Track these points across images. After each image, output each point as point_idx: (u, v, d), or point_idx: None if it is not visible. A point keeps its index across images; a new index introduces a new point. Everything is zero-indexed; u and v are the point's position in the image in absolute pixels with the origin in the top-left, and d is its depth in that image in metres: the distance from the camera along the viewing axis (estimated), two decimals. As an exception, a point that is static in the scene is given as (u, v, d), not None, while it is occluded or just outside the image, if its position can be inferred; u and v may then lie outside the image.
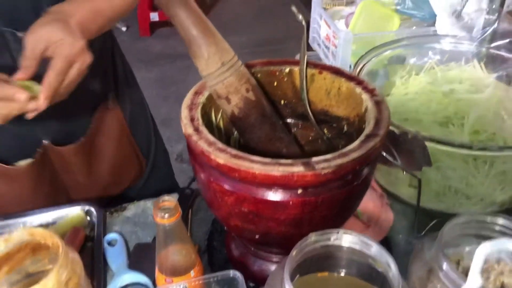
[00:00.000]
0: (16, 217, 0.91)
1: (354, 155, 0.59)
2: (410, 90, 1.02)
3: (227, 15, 3.82)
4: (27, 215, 0.92)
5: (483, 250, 0.52)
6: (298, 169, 0.57)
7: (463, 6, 1.41)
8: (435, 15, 1.43)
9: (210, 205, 0.70)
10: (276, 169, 0.57)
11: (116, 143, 1.04)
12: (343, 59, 1.44)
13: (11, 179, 0.95)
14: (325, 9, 1.71)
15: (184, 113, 0.67)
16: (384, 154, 0.80)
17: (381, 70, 1.10)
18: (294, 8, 0.73)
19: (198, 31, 0.66)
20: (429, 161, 0.78)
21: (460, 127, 0.91)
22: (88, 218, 0.93)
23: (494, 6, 0.99)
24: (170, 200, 0.66)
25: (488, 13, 0.99)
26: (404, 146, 0.80)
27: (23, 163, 0.95)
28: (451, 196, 0.87)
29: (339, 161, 0.58)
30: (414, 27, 1.47)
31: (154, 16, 3.48)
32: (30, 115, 0.71)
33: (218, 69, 0.68)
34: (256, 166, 0.58)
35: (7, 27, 0.78)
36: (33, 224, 0.92)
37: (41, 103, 0.69)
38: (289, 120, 0.83)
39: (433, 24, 1.43)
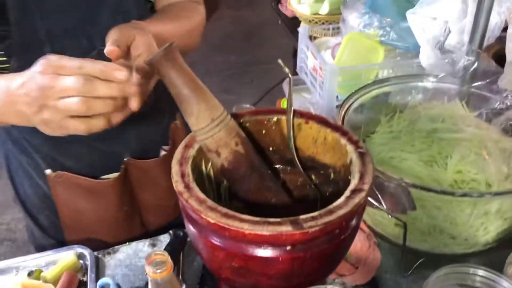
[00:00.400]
0: (9, 261, 0.92)
1: (341, 212, 0.62)
2: (395, 128, 1.05)
3: (216, 35, 3.86)
4: (19, 259, 0.93)
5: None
6: (286, 228, 0.59)
7: (445, 38, 1.45)
8: (418, 46, 1.46)
9: (201, 256, 0.72)
10: (265, 229, 0.59)
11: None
12: (330, 90, 1.47)
13: (98, 195, 1.02)
14: (312, 37, 1.75)
15: (175, 168, 0.69)
16: (369, 199, 0.82)
17: (366, 107, 1.13)
18: (280, 62, 0.76)
19: (188, 90, 0.68)
20: (413, 206, 0.81)
21: (444, 167, 0.94)
22: (81, 261, 0.94)
23: (473, 48, 1.03)
24: (161, 254, 0.68)
25: (467, 54, 1.03)
26: (388, 191, 0.83)
27: (110, 176, 1.02)
28: (436, 236, 0.89)
29: (326, 219, 0.61)
30: (398, 58, 1.51)
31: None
32: (133, 105, 0.70)
33: (208, 125, 0.70)
34: (246, 225, 0.60)
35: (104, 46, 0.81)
36: (26, 268, 0.93)
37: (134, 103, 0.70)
38: (277, 166, 0.85)
39: (417, 55, 1.47)
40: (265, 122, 0.81)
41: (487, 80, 0.99)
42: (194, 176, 0.70)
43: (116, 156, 1.03)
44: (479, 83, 1.01)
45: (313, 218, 0.61)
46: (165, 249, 0.93)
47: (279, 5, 2.18)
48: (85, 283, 0.90)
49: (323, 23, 1.86)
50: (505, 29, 1.48)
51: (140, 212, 1.13)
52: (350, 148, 0.73)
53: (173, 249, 0.93)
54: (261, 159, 0.76)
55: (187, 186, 0.66)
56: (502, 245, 0.90)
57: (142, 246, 0.98)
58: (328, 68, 1.42)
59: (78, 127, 0.68)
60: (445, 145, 0.96)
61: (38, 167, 1.04)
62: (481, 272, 0.62)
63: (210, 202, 0.64)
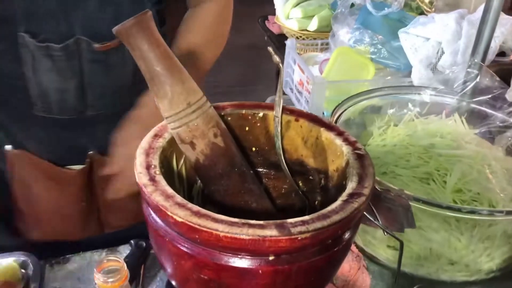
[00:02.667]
0: None
1: (336, 217, 0.51)
2: (388, 142, 0.96)
3: (198, 55, 3.78)
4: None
5: None
6: (271, 232, 0.48)
7: (438, 59, 1.40)
8: (410, 66, 1.41)
9: (163, 267, 0.60)
10: (245, 232, 0.48)
11: None
12: (316, 105, 1.38)
13: (58, 184, 0.96)
14: (299, 54, 1.68)
15: (140, 159, 0.58)
16: (364, 213, 0.72)
17: (357, 119, 1.04)
18: (270, 49, 0.66)
19: (162, 67, 0.58)
20: (413, 223, 0.71)
21: (442, 185, 0.85)
22: (23, 270, 0.80)
23: (476, 60, 0.96)
24: (115, 260, 0.56)
25: (469, 66, 0.96)
26: (385, 205, 0.73)
27: (74, 167, 0.96)
28: (433, 261, 0.79)
29: (319, 224, 0.50)
30: (389, 77, 1.44)
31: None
32: None
33: (183, 110, 0.59)
34: (221, 226, 0.48)
35: (85, 36, 0.82)
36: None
37: None
38: (260, 169, 0.74)
39: (408, 75, 1.40)
40: (250, 118, 0.71)
41: (489, 96, 0.92)
42: (162, 171, 0.58)
43: (81, 148, 0.95)
44: (480, 98, 0.93)
45: (303, 223, 0.50)
46: (123, 260, 0.81)
47: (266, 22, 2.12)
48: (26, 296, 0.76)
49: (311, 40, 1.80)
50: (499, 54, 1.44)
51: (98, 211, 1.03)
52: (346, 149, 0.63)
53: (133, 261, 0.80)
54: (243, 157, 0.66)
55: (152, 179, 0.55)
56: (508, 274, 0.81)
57: (97, 257, 0.85)
58: (315, 81, 1.34)
59: None
60: (443, 161, 0.88)
61: None
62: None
63: (178, 198, 0.52)
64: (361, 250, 0.85)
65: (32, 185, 0.96)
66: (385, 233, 0.71)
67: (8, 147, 0.93)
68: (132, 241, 0.85)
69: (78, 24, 0.83)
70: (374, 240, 0.84)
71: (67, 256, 0.85)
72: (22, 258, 0.80)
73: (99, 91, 0.89)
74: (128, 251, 0.85)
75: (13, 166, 0.94)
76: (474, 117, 0.95)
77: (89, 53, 0.84)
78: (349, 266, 0.80)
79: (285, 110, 0.70)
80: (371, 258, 0.85)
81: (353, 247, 0.84)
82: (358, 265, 0.81)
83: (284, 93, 1.71)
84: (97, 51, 0.84)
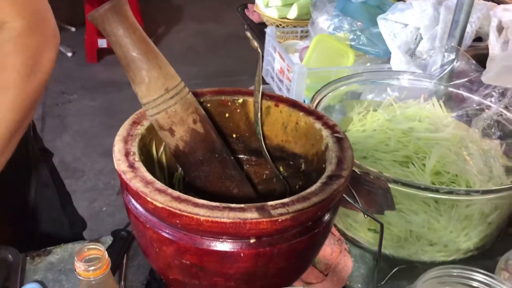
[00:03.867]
0: None
1: (316, 199, 0.52)
2: (368, 126, 0.97)
3: (178, 46, 3.75)
4: None
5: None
6: (251, 215, 0.49)
7: (417, 45, 1.41)
8: (389, 52, 1.42)
9: (145, 254, 0.60)
10: (226, 215, 0.48)
11: None
12: (297, 93, 1.39)
13: None
14: (279, 42, 1.67)
15: (118, 146, 0.57)
16: (344, 195, 0.73)
17: (337, 105, 1.05)
18: (248, 34, 0.66)
19: (138, 52, 0.57)
20: (393, 205, 0.72)
21: (421, 168, 0.86)
22: (5, 263, 0.79)
23: (452, 44, 0.97)
24: (96, 249, 0.55)
25: (446, 50, 0.97)
26: (364, 187, 0.73)
27: None
28: (413, 242, 0.81)
29: (299, 206, 0.50)
30: (369, 64, 1.45)
31: (102, 43, 3.34)
32: None
33: (161, 96, 0.59)
34: (202, 211, 0.49)
35: None
36: None
37: None
38: (241, 156, 0.74)
39: (388, 61, 1.41)
40: (229, 104, 0.71)
41: (466, 79, 0.93)
42: (142, 158, 0.58)
43: None
44: (457, 81, 0.94)
45: (283, 205, 0.50)
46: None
47: (245, 10, 2.11)
48: (6, 290, 0.75)
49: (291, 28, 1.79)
50: (476, 39, 1.45)
51: None
52: (326, 132, 0.64)
53: (114, 252, 0.80)
54: (223, 143, 0.66)
55: (131, 166, 0.55)
56: (485, 253, 0.83)
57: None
58: (296, 69, 1.34)
59: None
60: (422, 145, 0.89)
61: None
62: (476, 275, 0.53)
63: (158, 183, 0.52)
64: (342, 233, 0.86)
65: None
66: (366, 216, 0.72)
67: None
68: (113, 232, 0.85)
69: None
70: (355, 223, 0.84)
71: (48, 248, 0.84)
72: (1, 250, 0.79)
73: None
74: (110, 242, 0.84)
75: None
76: (452, 101, 0.97)
77: None
78: (331, 249, 0.81)
79: (264, 95, 0.70)
80: (352, 242, 0.85)
81: (334, 231, 0.85)
82: (340, 249, 0.82)
83: (265, 82, 1.71)
84: None
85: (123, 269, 0.80)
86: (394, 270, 0.80)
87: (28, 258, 0.82)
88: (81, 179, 2.43)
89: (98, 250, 0.55)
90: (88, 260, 0.54)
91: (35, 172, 0.98)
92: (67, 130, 2.79)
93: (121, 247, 0.83)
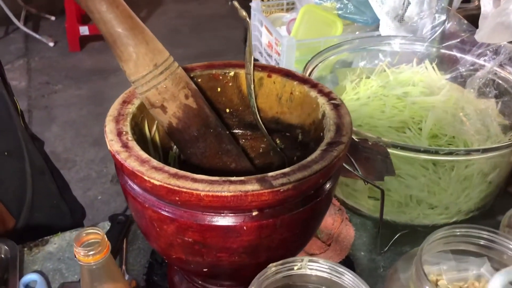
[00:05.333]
0: None
1: (316, 167, 0.50)
2: (362, 94, 0.96)
3: (162, 29, 3.69)
4: None
5: (499, 282, 0.44)
6: (252, 187, 0.47)
7: (405, 10, 1.39)
8: (377, 20, 1.40)
9: (146, 236, 0.59)
10: (226, 189, 0.47)
11: None
12: (287, 66, 1.37)
13: None
14: (265, 16, 1.65)
15: (109, 126, 0.55)
16: (343, 164, 0.72)
17: (329, 75, 1.03)
18: (236, 3, 0.64)
19: (124, 28, 0.55)
20: (392, 170, 0.71)
21: (417, 132, 0.85)
22: (3, 255, 0.78)
23: (442, 5, 0.95)
24: (95, 233, 0.54)
25: (437, 12, 0.95)
26: (363, 154, 0.72)
27: None
28: (414, 207, 0.80)
29: (300, 175, 0.49)
30: (357, 32, 1.44)
31: (84, 30, 3.27)
32: None
33: (150, 72, 0.57)
34: (201, 186, 0.47)
35: None
36: None
37: None
38: (236, 131, 0.73)
39: (377, 28, 1.40)
40: (221, 78, 0.69)
41: (458, 40, 0.91)
42: (135, 137, 0.56)
43: None
44: (449, 42, 0.93)
45: (284, 175, 0.49)
46: (104, 236, 0.79)
47: (229, -13, 2.07)
48: (6, 281, 0.74)
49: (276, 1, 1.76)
50: (464, 1, 1.44)
51: None
52: (322, 100, 0.62)
53: (113, 236, 0.79)
54: (217, 117, 0.64)
55: (124, 145, 0.53)
56: (486, 213, 0.83)
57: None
58: (284, 42, 1.32)
59: None
60: (417, 109, 0.88)
61: None
62: (480, 233, 0.52)
63: (154, 162, 0.51)
64: (342, 203, 0.85)
65: None
66: (366, 183, 0.71)
67: None
68: (110, 217, 0.83)
69: None
70: (355, 192, 0.84)
71: (46, 237, 0.83)
72: (-1, 244, 0.78)
73: None
74: (108, 227, 0.83)
75: None
76: (445, 63, 0.95)
77: None
78: (332, 219, 0.80)
79: (256, 66, 0.68)
80: (353, 210, 0.85)
81: (334, 201, 0.84)
82: (341, 218, 0.81)
83: (254, 59, 1.68)
84: None
85: (123, 253, 0.79)
86: (397, 235, 0.80)
87: (25, 249, 0.81)
88: (73, 169, 2.40)
89: (97, 234, 0.54)
90: (88, 245, 0.53)
91: (30, 159, 0.97)
92: (55, 121, 2.75)
93: (120, 231, 0.81)
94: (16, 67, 3.16)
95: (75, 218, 1.09)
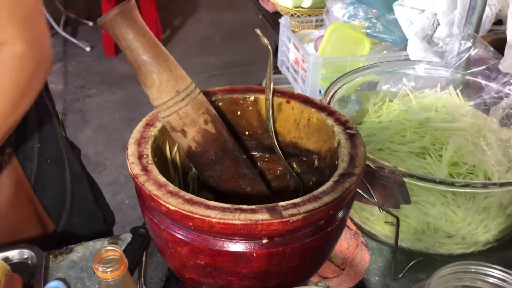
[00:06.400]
0: None
1: (327, 198, 0.52)
2: (384, 118, 0.96)
3: (195, 37, 3.76)
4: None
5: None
6: (262, 216, 0.49)
7: (434, 31, 1.38)
8: (406, 39, 1.39)
9: (162, 254, 0.61)
10: (237, 217, 0.49)
11: (10, 202, 0.91)
12: (313, 83, 1.38)
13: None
14: (293, 32, 1.66)
15: (131, 149, 0.58)
16: (358, 190, 0.73)
17: (352, 96, 1.04)
18: (258, 31, 0.66)
19: (148, 56, 0.58)
20: (408, 199, 0.71)
21: (438, 159, 0.85)
22: (29, 262, 0.82)
23: (469, 32, 0.95)
24: (114, 250, 0.57)
25: (463, 38, 0.95)
26: (380, 182, 0.73)
27: None
28: (431, 234, 0.80)
29: (310, 206, 0.50)
30: (385, 51, 1.43)
31: (120, 37, 3.37)
32: None
33: (172, 98, 0.59)
34: (213, 213, 0.49)
35: None
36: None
37: None
38: (254, 153, 0.75)
39: (405, 48, 1.39)
40: (241, 102, 0.71)
41: (484, 67, 0.91)
42: (155, 160, 0.59)
43: None
44: (475, 69, 0.92)
45: (294, 205, 0.50)
46: (125, 249, 0.82)
47: (260, 0, 2.09)
48: (31, 287, 0.77)
49: (305, 17, 1.78)
50: (496, 22, 1.41)
51: None
52: (338, 129, 0.63)
53: (134, 249, 0.81)
54: (235, 142, 0.66)
55: (144, 169, 0.55)
56: (504, 245, 0.82)
57: (100, 246, 0.87)
58: (311, 59, 1.33)
59: None
60: (439, 135, 0.87)
61: None
62: (493, 271, 0.52)
63: (171, 186, 0.53)
64: (359, 227, 0.86)
65: None
66: (381, 210, 0.72)
67: None
68: (132, 229, 0.86)
69: None
70: (372, 216, 0.84)
71: (70, 246, 0.86)
72: (26, 250, 0.82)
73: None
74: (129, 239, 0.86)
75: None
76: (469, 89, 0.95)
77: None
78: (347, 243, 0.81)
79: (276, 92, 0.70)
80: (369, 235, 0.85)
81: (351, 225, 0.85)
82: (356, 243, 0.82)
83: (280, 73, 1.70)
84: None
85: (142, 266, 0.82)
86: (412, 262, 0.80)
87: (51, 256, 0.84)
88: (103, 172, 2.47)
89: (115, 251, 0.56)
90: (106, 261, 0.56)
91: (69, 167, 1.02)
92: (88, 125, 2.83)
93: (140, 244, 0.84)
94: (54, 70, 3.27)
95: (107, 223, 1.14)
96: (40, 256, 0.81)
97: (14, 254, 0.82)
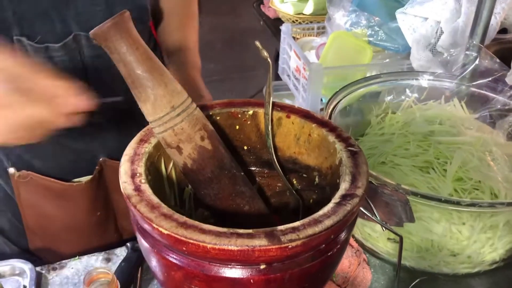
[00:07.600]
0: None
1: (328, 222, 0.49)
2: (387, 130, 0.94)
3: (196, 41, 3.73)
4: None
5: None
6: (259, 242, 0.46)
7: (437, 39, 1.36)
8: (409, 48, 1.37)
9: (155, 277, 0.59)
10: (233, 242, 0.46)
11: None
12: (314, 92, 1.36)
13: (68, 199, 0.93)
14: (295, 38, 1.64)
15: (124, 167, 0.56)
16: (360, 208, 0.70)
17: (354, 108, 1.02)
18: (258, 44, 0.63)
19: (143, 70, 0.55)
20: (412, 217, 0.69)
21: (442, 173, 0.82)
22: (20, 278, 0.80)
23: (474, 42, 0.93)
24: (105, 272, 0.54)
25: (468, 49, 0.93)
26: (382, 199, 0.71)
27: (82, 179, 0.92)
28: (435, 253, 0.78)
29: (310, 231, 0.48)
30: (388, 60, 1.41)
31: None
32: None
33: (167, 114, 0.57)
34: (208, 238, 0.47)
35: (82, 31, 0.80)
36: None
37: None
38: (253, 168, 0.72)
39: (407, 56, 1.37)
40: (239, 116, 0.68)
41: (490, 78, 0.88)
42: (150, 178, 0.57)
43: (90, 156, 0.92)
44: (480, 81, 0.90)
45: (294, 230, 0.48)
46: (120, 264, 0.80)
47: (261, 6, 2.08)
48: (22, 304, 0.75)
49: (307, 24, 1.76)
50: (500, 31, 1.39)
51: (115, 218, 1.01)
52: (339, 146, 0.61)
53: (129, 265, 0.79)
54: (232, 158, 0.64)
55: (137, 188, 0.53)
56: (511, 265, 0.79)
57: (94, 261, 0.84)
58: (312, 68, 1.30)
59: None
60: (443, 149, 0.85)
61: (1, 165, 0.91)
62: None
63: (164, 208, 0.50)
64: (360, 244, 0.83)
65: (42, 206, 0.93)
66: (384, 229, 0.70)
67: (11, 170, 0.89)
68: (128, 244, 0.84)
69: (72, 20, 0.80)
70: (374, 233, 0.82)
71: (64, 261, 0.84)
72: (19, 265, 0.80)
73: (105, 89, 0.84)
74: (125, 254, 0.83)
75: (18, 188, 0.91)
76: (474, 101, 0.92)
77: (90, 49, 0.82)
78: (349, 262, 0.78)
79: (275, 106, 0.68)
80: (371, 252, 0.83)
81: (352, 242, 0.82)
82: (358, 260, 0.79)
83: (280, 80, 1.68)
84: (98, 45, 0.79)
85: (137, 282, 0.80)
86: (415, 281, 0.77)
87: (43, 271, 0.82)
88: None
89: (106, 274, 0.54)
90: (98, 284, 0.54)
91: None
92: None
93: (136, 259, 0.82)
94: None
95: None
96: (33, 271, 0.79)
97: (5, 269, 0.80)
